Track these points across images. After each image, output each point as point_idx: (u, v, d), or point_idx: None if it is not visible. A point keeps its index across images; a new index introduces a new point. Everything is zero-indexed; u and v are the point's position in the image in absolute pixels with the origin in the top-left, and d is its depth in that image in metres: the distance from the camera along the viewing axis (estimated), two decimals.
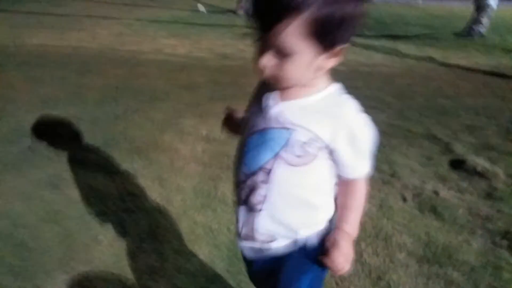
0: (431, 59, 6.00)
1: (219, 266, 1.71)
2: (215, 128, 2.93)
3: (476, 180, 2.44)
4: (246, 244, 1.01)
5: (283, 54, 0.77)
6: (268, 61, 0.79)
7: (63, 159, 2.54)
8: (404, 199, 2.24)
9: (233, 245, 1.78)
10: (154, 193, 2.23)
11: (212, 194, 2.23)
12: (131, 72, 4.70)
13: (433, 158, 2.73)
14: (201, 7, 11.64)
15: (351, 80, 4.64)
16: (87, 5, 11.47)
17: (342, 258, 0.89)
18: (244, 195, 0.94)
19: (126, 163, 2.53)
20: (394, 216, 2.08)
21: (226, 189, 2.23)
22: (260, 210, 0.92)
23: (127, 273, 1.68)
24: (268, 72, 0.80)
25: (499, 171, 2.51)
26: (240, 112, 1.09)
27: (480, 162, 2.61)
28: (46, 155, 2.60)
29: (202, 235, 1.90)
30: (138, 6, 12.11)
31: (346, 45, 0.79)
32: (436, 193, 2.29)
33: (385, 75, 5.07)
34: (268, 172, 0.88)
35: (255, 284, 1.16)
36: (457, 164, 2.62)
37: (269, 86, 0.86)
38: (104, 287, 1.62)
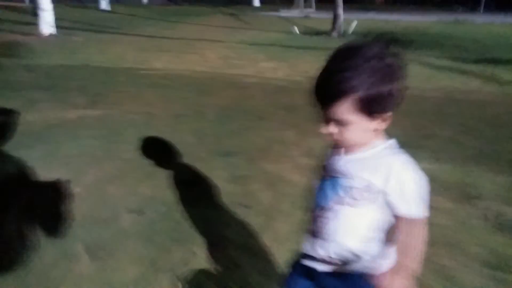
0: None
1: None
2: (315, 145, 3.45)
3: None
4: (321, 267, 1.17)
5: (341, 124, 1.01)
6: (330, 129, 1.04)
7: (189, 163, 3.24)
8: (486, 219, 2.51)
9: None
10: (266, 196, 2.80)
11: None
12: (239, 94, 5.47)
13: None
14: (294, 29, 12.35)
15: (443, 106, 4.87)
16: (195, 29, 12.93)
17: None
18: (316, 225, 1.15)
19: (240, 170, 3.17)
20: (474, 232, 2.38)
21: None
22: (327, 238, 1.12)
23: (244, 267, 2.23)
24: (332, 137, 1.05)
25: None
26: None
27: None
28: (176, 159, 3.34)
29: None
30: (236, 28, 13.28)
31: (392, 112, 1.01)
32: None
33: (480, 102, 5.16)
34: (333, 209, 1.10)
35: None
36: None
37: (336, 144, 1.10)
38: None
